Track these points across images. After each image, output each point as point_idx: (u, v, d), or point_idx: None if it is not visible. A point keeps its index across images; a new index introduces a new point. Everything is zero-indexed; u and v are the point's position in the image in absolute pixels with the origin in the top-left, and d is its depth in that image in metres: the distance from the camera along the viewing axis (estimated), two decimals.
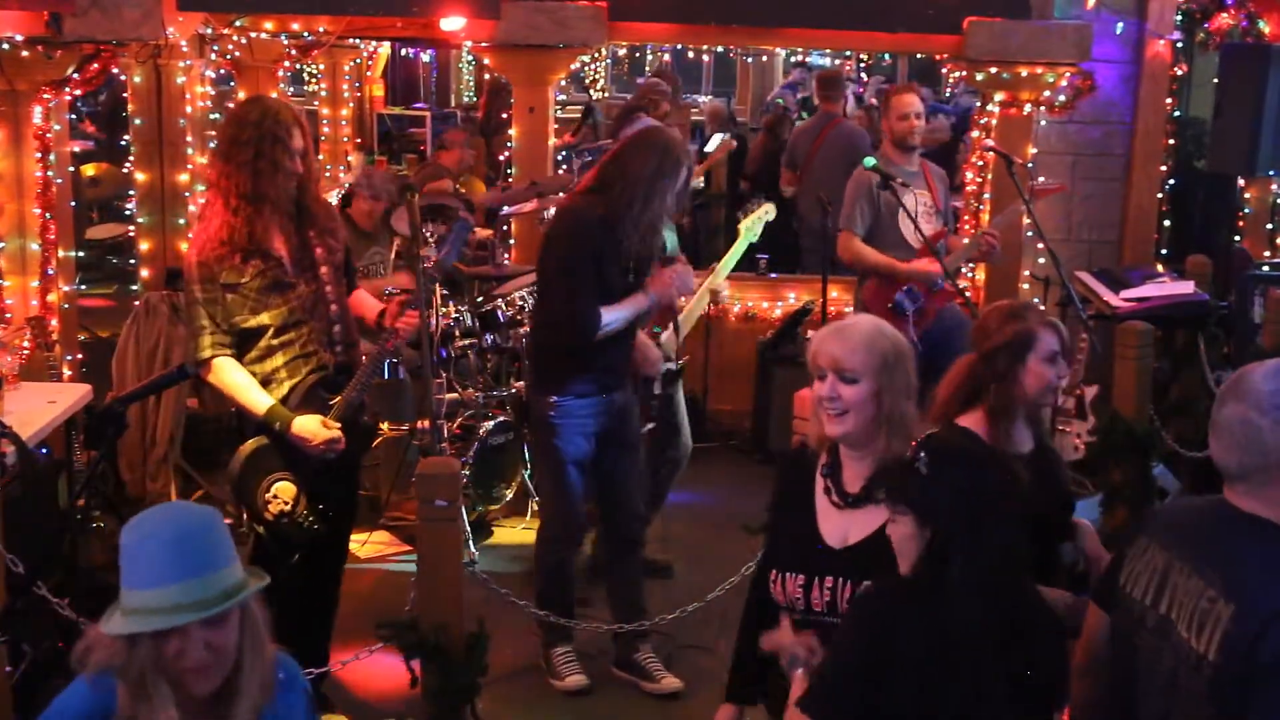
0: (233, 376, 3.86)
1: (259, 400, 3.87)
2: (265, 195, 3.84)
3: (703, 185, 10.14)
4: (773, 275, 7.41)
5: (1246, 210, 7.26)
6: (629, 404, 4.68)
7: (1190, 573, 2.35)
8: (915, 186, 5.68)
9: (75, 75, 5.88)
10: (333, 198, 8.62)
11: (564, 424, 4.51)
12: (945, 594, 2.34)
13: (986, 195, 6.94)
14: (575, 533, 4.74)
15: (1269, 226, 7.10)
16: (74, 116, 9.89)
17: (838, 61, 15.99)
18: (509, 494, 6.10)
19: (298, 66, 9.25)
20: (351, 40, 9.23)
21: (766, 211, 5.51)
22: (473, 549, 5.56)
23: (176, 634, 2.21)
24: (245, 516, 4.14)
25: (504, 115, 9.58)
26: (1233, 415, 2.33)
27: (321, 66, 10.13)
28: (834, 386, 2.75)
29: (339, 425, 3.90)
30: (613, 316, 4.38)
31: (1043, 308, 6.84)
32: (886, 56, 14.42)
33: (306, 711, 2.51)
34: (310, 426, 3.87)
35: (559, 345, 4.49)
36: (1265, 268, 6.38)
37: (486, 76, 9.85)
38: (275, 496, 3.90)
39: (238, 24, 6.75)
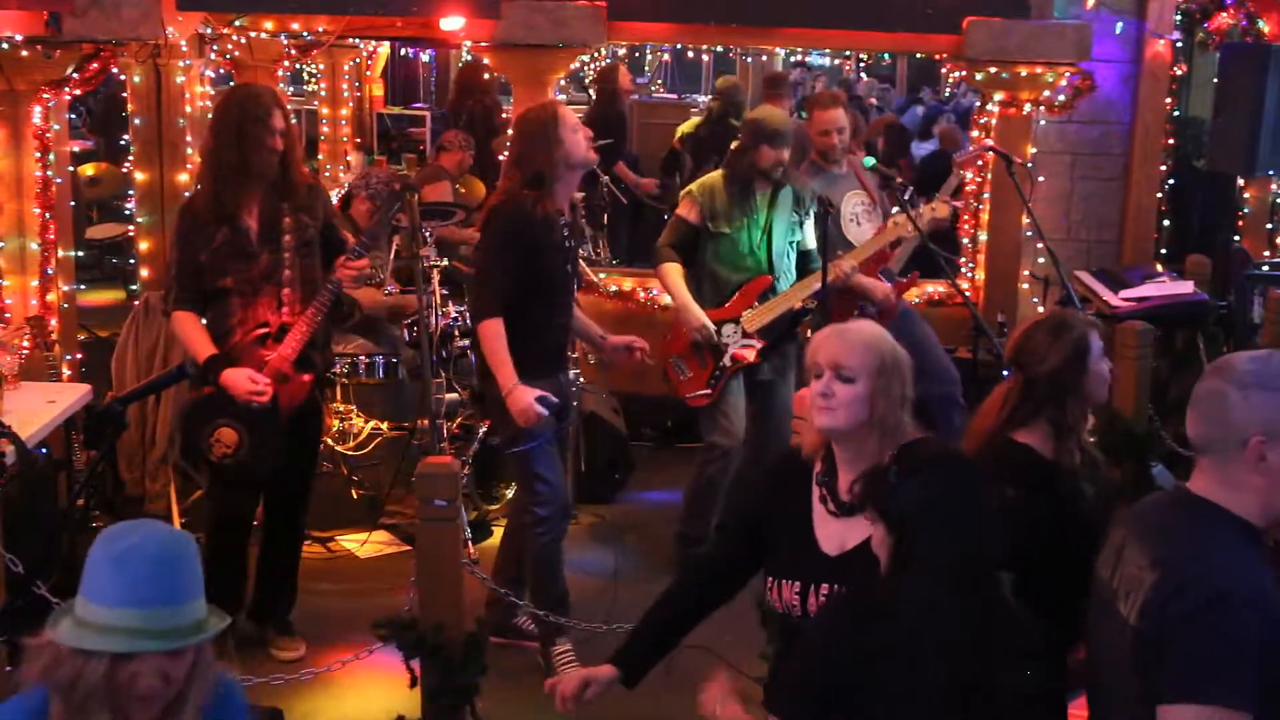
0: (187, 327, 4.47)
1: (202, 350, 4.42)
2: (248, 167, 4.38)
3: None
4: None
5: (1246, 210, 7.25)
6: (568, 385, 4.91)
7: (1135, 547, 2.36)
8: (846, 188, 5.74)
9: (74, 75, 5.89)
10: (332, 198, 8.64)
11: None
12: (895, 605, 2.33)
13: (986, 195, 6.94)
14: (566, 511, 4.78)
15: (1268, 226, 7.09)
16: (73, 116, 9.89)
17: (837, 61, 16.01)
18: (509, 494, 6.09)
19: (297, 66, 9.25)
20: (351, 40, 9.23)
21: (934, 209, 5.45)
22: (472, 549, 5.56)
23: (135, 659, 2.15)
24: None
25: (474, 112, 9.52)
26: (1207, 388, 2.33)
27: (321, 66, 10.12)
28: (830, 384, 2.75)
29: (268, 380, 4.38)
30: (498, 342, 4.45)
31: (1041, 309, 6.87)
32: (886, 56, 14.41)
33: None
34: (235, 378, 4.37)
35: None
36: (1265, 267, 6.37)
37: (486, 76, 9.82)
38: (218, 441, 4.39)
39: (237, 23, 6.75)
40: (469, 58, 10.72)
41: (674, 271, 5.37)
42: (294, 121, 4.61)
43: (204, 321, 4.51)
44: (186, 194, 6.53)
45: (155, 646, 2.15)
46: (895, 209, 5.60)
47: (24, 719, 2.22)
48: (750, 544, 2.94)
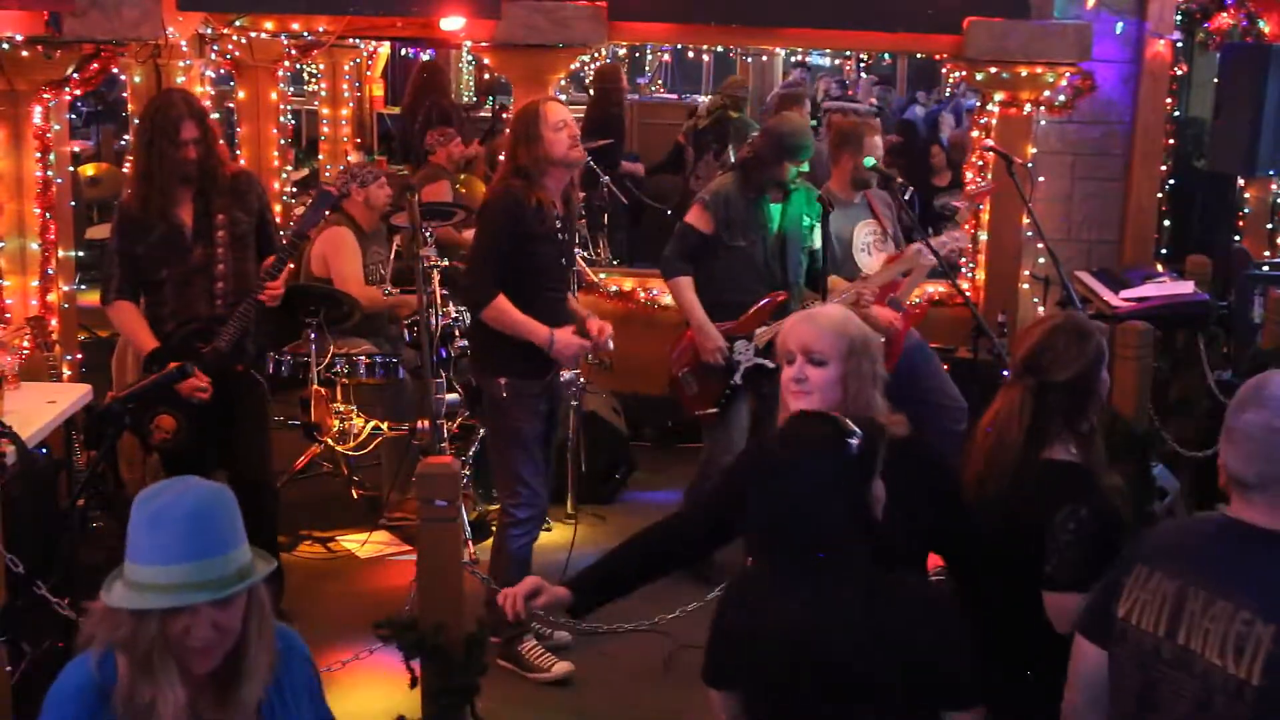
0: (127, 318, 4.73)
1: (146, 342, 4.67)
2: (153, 175, 4.60)
3: None
4: None
5: (1246, 210, 7.25)
6: (560, 384, 4.91)
7: (1210, 598, 2.24)
8: (860, 218, 5.64)
9: (75, 75, 5.89)
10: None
11: (518, 403, 4.59)
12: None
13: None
14: (543, 515, 4.82)
15: (1269, 226, 7.09)
16: (73, 117, 9.89)
17: (838, 61, 15.99)
18: None
19: (297, 66, 9.25)
20: (351, 40, 9.24)
21: (956, 239, 5.49)
22: (472, 549, 5.56)
23: (186, 612, 2.20)
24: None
25: (430, 113, 9.44)
26: (1254, 422, 2.23)
27: (321, 66, 10.12)
28: (802, 368, 2.83)
29: (209, 379, 4.55)
30: (511, 312, 4.53)
31: (1041, 309, 6.87)
32: (886, 56, 14.39)
33: (310, 677, 2.54)
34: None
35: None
36: (1265, 267, 6.37)
37: (486, 75, 9.84)
38: (158, 427, 4.60)
39: (237, 24, 6.76)
40: (470, 58, 10.76)
41: (687, 287, 5.22)
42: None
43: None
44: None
45: (198, 598, 2.19)
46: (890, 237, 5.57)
47: (95, 678, 2.26)
48: (732, 514, 2.98)
